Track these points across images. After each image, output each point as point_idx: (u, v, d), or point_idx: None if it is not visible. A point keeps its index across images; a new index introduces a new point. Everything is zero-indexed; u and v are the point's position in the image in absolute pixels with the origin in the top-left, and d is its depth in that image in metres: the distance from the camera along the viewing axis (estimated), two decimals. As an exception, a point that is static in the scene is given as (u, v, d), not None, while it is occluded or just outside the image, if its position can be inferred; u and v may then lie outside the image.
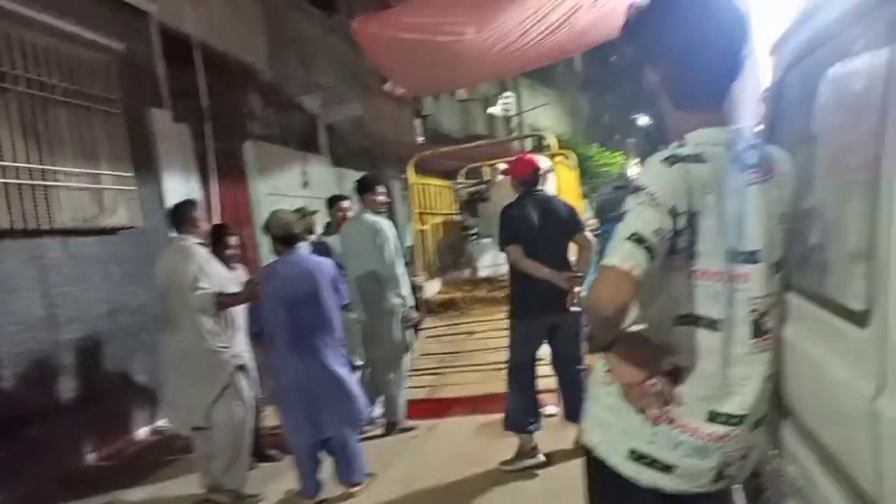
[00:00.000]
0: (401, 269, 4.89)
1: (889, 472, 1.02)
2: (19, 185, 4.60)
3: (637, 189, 1.38)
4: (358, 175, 5.55)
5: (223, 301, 3.77)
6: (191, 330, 3.73)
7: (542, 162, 4.37)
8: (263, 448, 4.53)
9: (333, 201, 5.75)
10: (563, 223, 3.99)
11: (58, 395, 4.84)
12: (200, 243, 3.97)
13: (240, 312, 4.18)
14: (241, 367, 3.92)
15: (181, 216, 4.00)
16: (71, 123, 5.15)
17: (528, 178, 4.11)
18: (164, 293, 3.90)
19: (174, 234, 4.07)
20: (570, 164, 7.57)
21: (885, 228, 1.05)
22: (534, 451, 3.99)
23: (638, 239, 1.32)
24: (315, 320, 3.67)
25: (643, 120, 33.68)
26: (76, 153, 5.18)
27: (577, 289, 3.76)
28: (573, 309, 3.77)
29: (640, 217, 1.34)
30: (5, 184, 4.49)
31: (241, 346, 4.07)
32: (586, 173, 19.08)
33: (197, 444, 3.94)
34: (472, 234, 8.11)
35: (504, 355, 5.54)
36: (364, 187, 5.00)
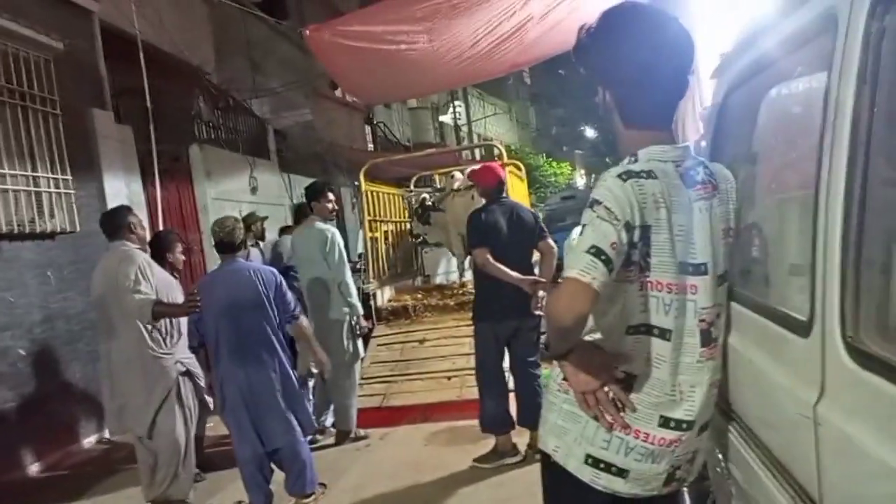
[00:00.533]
0: (349, 277, 4.85)
1: (829, 472, 1.08)
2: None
3: (593, 203, 1.42)
4: (307, 181, 5.44)
5: (161, 311, 3.60)
6: (130, 336, 3.62)
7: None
8: (209, 457, 4.42)
9: (300, 208, 5.62)
10: (528, 230, 4.12)
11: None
12: (139, 248, 3.83)
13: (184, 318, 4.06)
14: (186, 373, 3.82)
15: (115, 223, 3.83)
16: (7, 123, 4.94)
17: (491, 185, 4.22)
18: (100, 299, 3.73)
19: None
20: (521, 175, 7.67)
21: (823, 243, 1.11)
22: (514, 448, 4.10)
23: (596, 252, 1.36)
24: (257, 329, 3.56)
25: (590, 132, 34.49)
26: (12, 154, 4.96)
27: (540, 293, 3.83)
28: (537, 312, 3.89)
29: (597, 230, 1.39)
30: (-66, 185, 4.28)
31: (185, 352, 3.95)
32: (534, 183, 19.42)
33: (140, 453, 3.80)
34: (420, 242, 8.11)
35: (455, 363, 5.62)
36: (314, 194, 4.95)
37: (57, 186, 5.33)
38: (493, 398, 4.11)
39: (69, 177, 5.47)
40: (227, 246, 3.62)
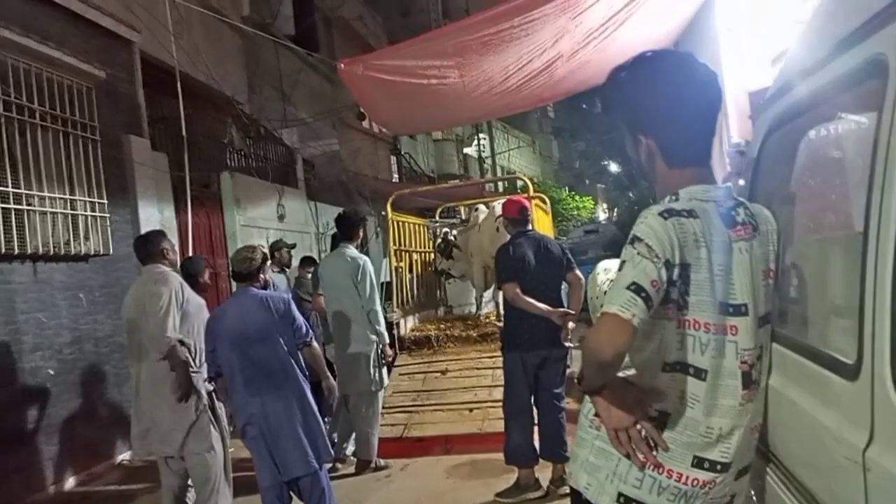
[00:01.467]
0: (378, 305, 4.87)
1: (878, 520, 1.06)
2: (-9, 207, 4.52)
3: (634, 240, 1.44)
4: (333, 209, 5.54)
5: (170, 357, 3.59)
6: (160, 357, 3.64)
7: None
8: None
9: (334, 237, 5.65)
10: (556, 261, 4.15)
11: (17, 423, 4.67)
12: (175, 272, 3.93)
13: None
14: (216, 392, 3.82)
15: (150, 247, 3.89)
16: (48, 148, 5.10)
17: (513, 215, 4.27)
18: (131, 322, 3.77)
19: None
20: (545, 208, 7.69)
21: (873, 284, 1.11)
22: (536, 483, 4.07)
23: (637, 289, 1.37)
24: (269, 357, 3.55)
25: (613, 166, 34.52)
26: (52, 177, 5.11)
27: (570, 325, 3.86)
28: (567, 344, 3.90)
29: (637, 267, 1.40)
30: (-23, 206, 4.41)
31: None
32: (557, 216, 19.43)
33: (165, 478, 3.80)
34: (445, 276, 8.15)
35: (477, 395, 5.59)
36: (345, 223, 5.02)
37: (93, 210, 5.46)
38: (520, 430, 4.07)
39: (105, 201, 5.61)
40: (239, 275, 3.70)
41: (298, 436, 3.56)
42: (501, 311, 7.08)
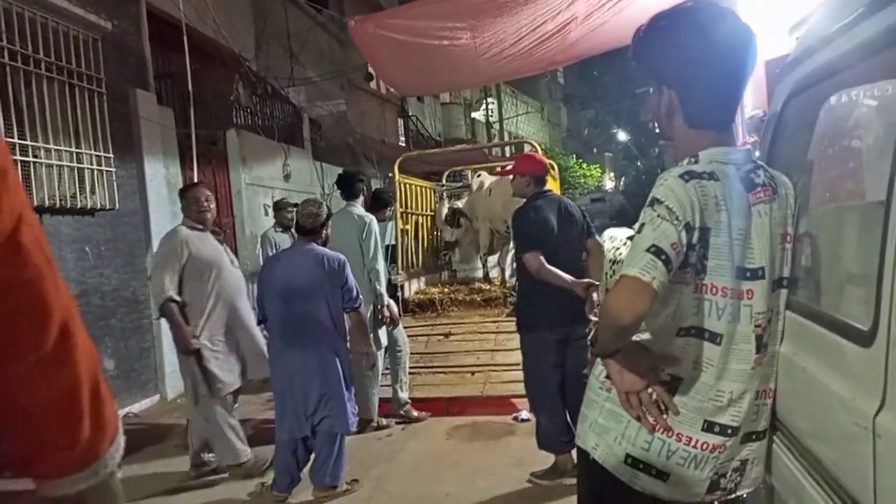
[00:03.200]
0: (381, 265, 4.88)
1: (887, 487, 1.06)
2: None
3: (654, 202, 1.41)
4: (339, 170, 5.55)
5: (168, 314, 3.81)
6: None
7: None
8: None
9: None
10: (578, 226, 3.74)
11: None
12: (193, 227, 3.99)
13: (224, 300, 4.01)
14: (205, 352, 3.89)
15: (182, 201, 4.11)
16: (54, 99, 5.05)
17: (539, 172, 3.82)
18: None
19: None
20: (554, 174, 7.63)
21: (892, 252, 1.09)
22: (574, 468, 3.48)
23: (657, 251, 1.35)
24: (312, 314, 3.58)
25: (622, 135, 34.17)
26: (58, 129, 5.07)
27: (594, 296, 3.54)
28: (592, 318, 3.57)
29: (658, 230, 1.38)
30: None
31: (213, 332, 3.93)
32: (563, 184, 19.32)
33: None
34: (453, 245, 8.14)
35: (480, 358, 5.63)
36: (345, 181, 5.04)
37: (99, 164, 5.43)
38: (550, 415, 3.70)
39: (111, 155, 5.57)
40: (304, 229, 3.73)
41: (328, 395, 3.61)
42: (509, 281, 7.12)
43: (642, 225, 1.41)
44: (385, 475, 4.09)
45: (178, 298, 3.82)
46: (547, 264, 3.49)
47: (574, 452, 3.64)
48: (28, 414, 0.77)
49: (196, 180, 6.31)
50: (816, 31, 1.72)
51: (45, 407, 0.77)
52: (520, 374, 4.98)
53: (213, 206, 4.13)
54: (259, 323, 3.92)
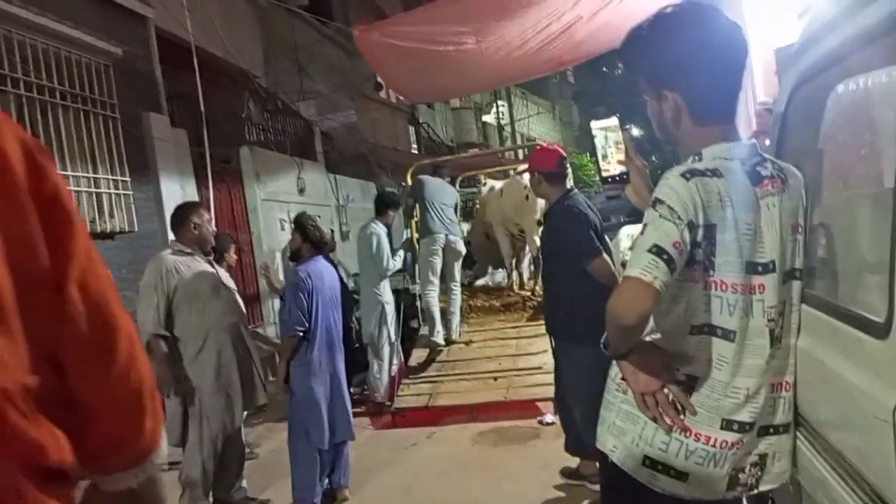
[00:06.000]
0: (388, 264, 5.69)
1: (909, 479, 1.04)
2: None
3: (656, 202, 1.41)
4: (353, 182, 5.89)
5: (151, 349, 3.36)
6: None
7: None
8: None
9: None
10: (602, 227, 3.49)
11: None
12: (182, 251, 3.63)
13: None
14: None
15: (174, 219, 3.75)
16: (69, 127, 5.14)
17: (551, 168, 3.53)
18: None
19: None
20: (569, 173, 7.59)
21: (904, 242, 1.08)
22: (596, 476, 3.40)
23: (658, 251, 1.35)
24: (337, 324, 3.83)
25: (634, 131, 33.94)
26: (74, 156, 5.16)
27: None
28: None
29: (659, 229, 1.37)
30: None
31: (205, 369, 3.55)
32: (578, 183, 19.25)
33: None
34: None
35: (502, 364, 5.61)
36: (376, 201, 6.04)
37: (116, 188, 5.51)
38: (589, 422, 3.44)
39: (127, 178, 5.65)
40: (321, 244, 3.92)
41: (346, 402, 3.84)
42: (527, 284, 7.05)
43: (645, 225, 1.41)
44: (413, 482, 4.10)
45: (165, 333, 3.45)
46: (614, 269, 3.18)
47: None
48: (108, 413, 0.86)
49: (211, 198, 6.38)
50: (820, 18, 1.70)
51: (121, 406, 0.88)
52: (542, 378, 5.00)
53: (211, 227, 3.84)
54: (302, 334, 3.66)
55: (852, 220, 1.53)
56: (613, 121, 27.18)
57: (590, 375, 3.05)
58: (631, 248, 3.44)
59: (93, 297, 0.81)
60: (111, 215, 5.42)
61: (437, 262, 6.04)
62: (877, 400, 1.12)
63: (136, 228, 5.67)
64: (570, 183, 3.72)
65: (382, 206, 5.90)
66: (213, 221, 6.38)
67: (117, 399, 0.87)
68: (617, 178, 23.71)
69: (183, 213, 3.77)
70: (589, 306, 3.10)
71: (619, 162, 22.75)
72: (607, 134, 27.32)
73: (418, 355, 6.07)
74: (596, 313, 3.14)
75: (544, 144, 4.34)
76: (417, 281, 6.62)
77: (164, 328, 3.45)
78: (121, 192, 5.56)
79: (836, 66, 1.55)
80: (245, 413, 3.90)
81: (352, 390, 5.16)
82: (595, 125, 28.32)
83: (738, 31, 1.52)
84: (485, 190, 7.72)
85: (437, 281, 6.06)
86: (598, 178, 24.60)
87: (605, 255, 3.22)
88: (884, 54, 1.28)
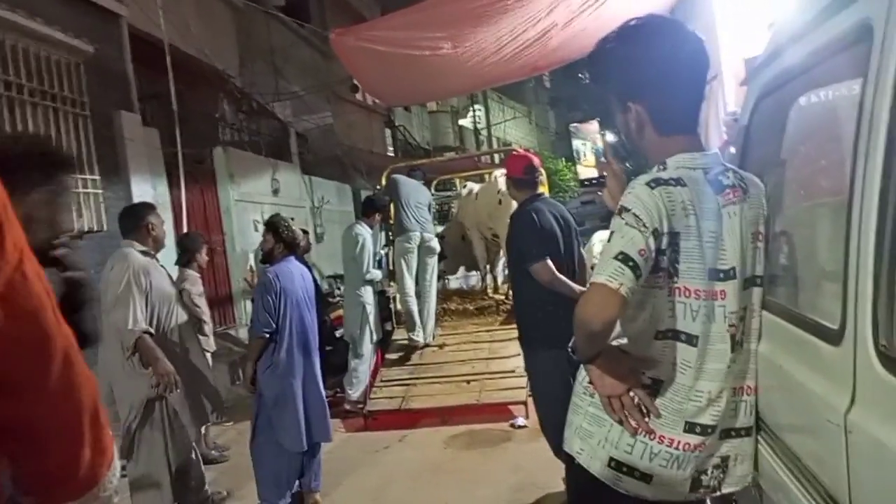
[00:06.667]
0: (367, 275, 5.80)
1: (858, 479, 1.08)
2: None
3: (622, 210, 1.44)
4: (328, 183, 5.83)
5: (142, 349, 3.25)
6: (114, 346, 3.31)
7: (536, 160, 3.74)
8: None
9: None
10: (575, 233, 3.49)
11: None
12: (144, 251, 3.46)
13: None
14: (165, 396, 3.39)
15: (132, 221, 3.51)
16: (38, 125, 5.05)
17: (517, 175, 3.56)
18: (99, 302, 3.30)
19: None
20: (543, 180, 7.64)
21: (856, 250, 1.12)
22: None
23: (624, 258, 1.38)
24: (311, 324, 3.79)
25: (609, 136, 34.31)
26: (43, 155, 5.06)
27: None
28: None
29: (625, 237, 1.41)
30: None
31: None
32: (553, 187, 19.39)
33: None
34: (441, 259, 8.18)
35: (475, 367, 5.62)
36: (364, 203, 6.21)
37: (86, 186, 5.43)
38: (547, 425, 3.42)
39: (97, 177, 5.57)
40: (294, 245, 3.88)
41: (324, 403, 3.81)
42: (501, 288, 7.10)
43: (612, 233, 1.45)
44: (384, 486, 4.09)
45: (151, 330, 3.30)
46: (559, 274, 3.21)
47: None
48: (37, 443, 0.79)
49: (184, 198, 6.32)
50: (783, 31, 1.75)
51: (52, 435, 0.80)
52: (514, 381, 5.02)
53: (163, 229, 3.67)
54: (269, 335, 3.61)
55: (811, 229, 1.57)
56: (594, 125, 27.41)
57: (545, 380, 3.32)
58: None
59: (23, 302, 0.75)
60: (80, 215, 5.34)
61: (413, 259, 6.12)
62: (830, 404, 1.16)
63: (106, 228, 5.58)
64: (542, 189, 3.77)
65: (370, 208, 5.99)
66: (186, 221, 6.38)
67: (48, 427, 0.80)
68: (594, 182, 23.96)
69: (139, 212, 3.59)
70: (541, 310, 3.27)
71: (595, 166, 23.05)
72: (586, 138, 27.54)
73: (391, 358, 6.06)
74: (550, 317, 3.22)
75: (519, 151, 4.35)
76: (392, 283, 6.62)
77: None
78: (90, 190, 5.48)
79: (799, 78, 1.59)
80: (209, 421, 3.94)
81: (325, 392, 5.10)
82: (574, 128, 28.53)
83: (701, 43, 1.55)
84: (464, 192, 7.73)
85: (412, 280, 6.09)
86: (573, 182, 24.78)
87: (548, 262, 3.22)
88: (844, 68, 1.32)
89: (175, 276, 4.27)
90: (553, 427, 3.29)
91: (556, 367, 3.03)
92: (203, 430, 4.61)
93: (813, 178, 1.62)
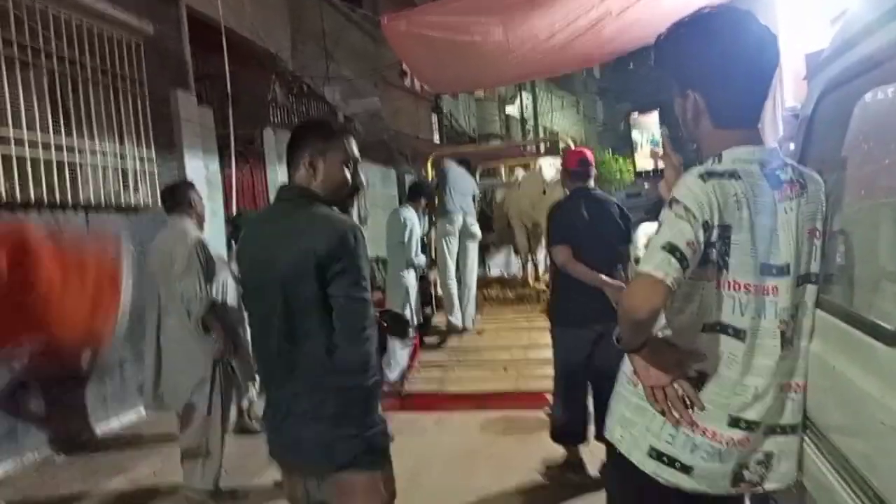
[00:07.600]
0: (413, 255, 5.81)
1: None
2: (46, 159, 4.67)
3: (672, 201, 1.44)
4: (374, 168, 5.87)
5: (207, 321, 3.49)
6: (178, 317, 3.51)
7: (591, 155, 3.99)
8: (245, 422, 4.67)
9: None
10: (616, 225, 3.73)
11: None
12: (197, 227, 3.69)
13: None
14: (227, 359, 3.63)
15: (177, 197, 3.69)
16: (98, 102, 5.22)
17: (572, 166, 3.85)
18: (153, 275, 3.62)
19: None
20: (594, 173, 7.57)
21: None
22: (581, 466, 3.79)
23: (671, 249, 1.38)
24: None
25: (669, 129, 33.65)
26: (103, 130, 5.24)
27: None
28: None
29: (674, 228, 1.40)
30: (33, 158, 4.56)
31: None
32: (599, 179, 19.15)
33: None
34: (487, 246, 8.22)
35: (513, 354, 5.65)
36: (410, 189, 6.22)
37: (142, 163, 5.61)
38: (569, 409, 3.75)
39: (153, 154, 5.74)
40: None
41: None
42: (542, 277, 7.11)
43: (661, 224, 1.44)
44: (419, 469, 4.14)
45: (218, 300, 3.61)
46: (574, 260, 3.52)
47: (581, 448, 3.77)
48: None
49: (234, 177, 6.46)
50: (851, 26, 1.70)
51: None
52: (552, 370, 5.01)
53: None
54: None
55: (872, 228, 1.53)
56: (653, 115, 26.81)
57: (558, 351, 3.80)
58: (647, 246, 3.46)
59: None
60: (136, 189, 5.52)
61: (454, 243, 6.19)
62: (885, 406, 1.14)
63: (160, 204, 5.75)
64: (591, 182, 3.87)
65: (417, 194, 6.09)
66: (235, 200, 6.52)
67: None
68: (651, 174, 23.48)
69: (184, 189, 3.77)
70: (561, 292, 3.76)
71: (654, 156, 22.70)
72: (645, 128, 26.86)
73: (430, 342, 6.12)
74: (568, 298, 3.65)
75: (571, 146, 4.62)
76: (433, 268, 6.68)
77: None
78: (146, 167, 5.65)
79: (867, 74, 1.55)
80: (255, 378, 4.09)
81: None
82: (634, 119, 27.86)
83: (773, 41, 1.52)
84: (516, 178, 7.73)
85: (453, 263, 6.15)
86: (620, 174, 24.42)
87: (563, 246, 3.57)
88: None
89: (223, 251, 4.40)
90: (557, 395, 3.86)
91: (570, 344, 3.68)
92: (247, 403, 4.76)
93: (875, 177, 1.58)
